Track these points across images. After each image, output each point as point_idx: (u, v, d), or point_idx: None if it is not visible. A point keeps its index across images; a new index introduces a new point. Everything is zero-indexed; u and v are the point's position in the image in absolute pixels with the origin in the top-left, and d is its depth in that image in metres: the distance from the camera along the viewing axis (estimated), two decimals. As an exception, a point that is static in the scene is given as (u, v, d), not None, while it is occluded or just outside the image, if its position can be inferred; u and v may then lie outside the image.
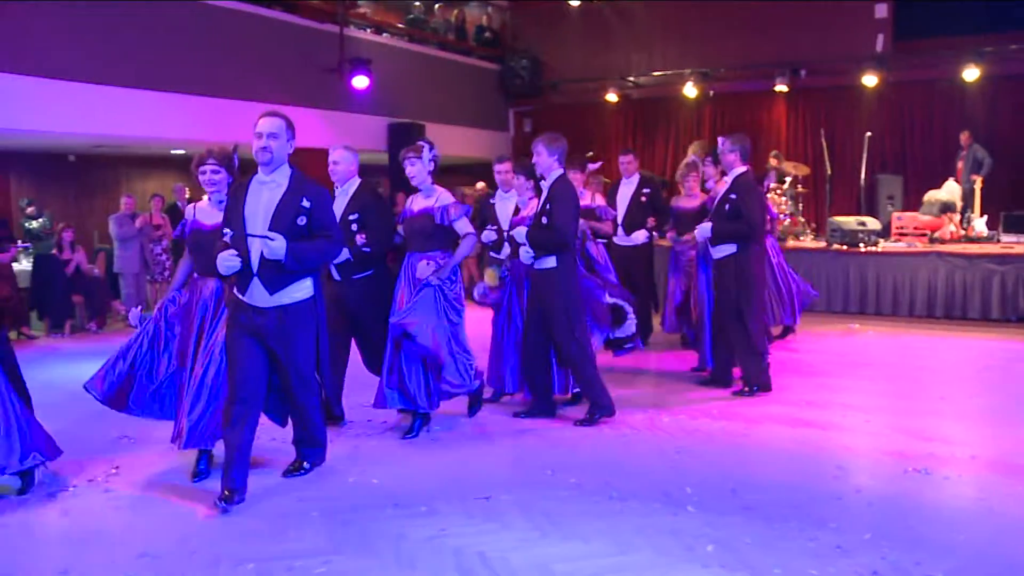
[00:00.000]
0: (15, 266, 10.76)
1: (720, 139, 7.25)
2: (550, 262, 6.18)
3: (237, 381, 4.61)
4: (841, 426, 6.23)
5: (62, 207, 13.82)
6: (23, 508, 4.72)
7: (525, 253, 6.22)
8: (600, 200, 7.52)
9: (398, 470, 5.31)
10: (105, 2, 10.51)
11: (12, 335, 10.40)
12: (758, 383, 7.09)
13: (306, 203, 4.55)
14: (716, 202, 7.10)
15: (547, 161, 6.22)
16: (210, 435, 4.95)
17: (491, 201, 7.05)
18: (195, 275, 5.21)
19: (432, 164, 6.02)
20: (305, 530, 4.36)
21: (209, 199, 5.19)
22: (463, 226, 6.00)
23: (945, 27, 13.67)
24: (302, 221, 4.53)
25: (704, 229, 6.98)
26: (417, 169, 6.00)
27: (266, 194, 4.58)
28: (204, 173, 5.08)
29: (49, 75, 10.02)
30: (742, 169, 6.99)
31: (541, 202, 6.26)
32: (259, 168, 4.60)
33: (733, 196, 6.91)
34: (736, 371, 7.32)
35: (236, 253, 4.47)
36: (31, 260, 11.29)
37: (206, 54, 11.63)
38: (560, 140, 6.31)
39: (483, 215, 7.06)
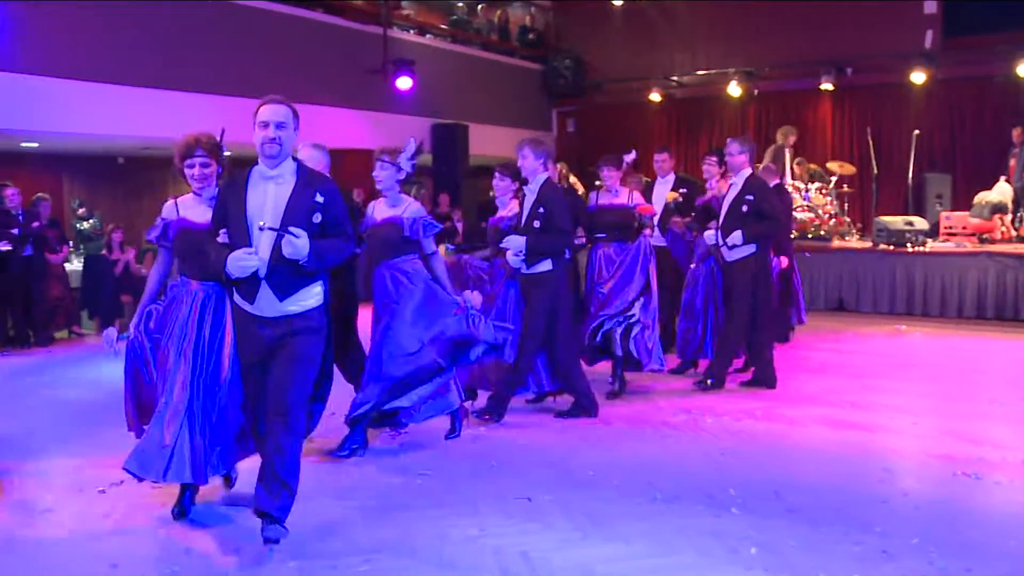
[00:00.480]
0: (67, 266, 10.98)
1: (728, 140, 7.27)
2: (545, 265, 6.17)
3: (255, 403, 4.31)
4: (888, 428, 6.14)
5: (111, 208, 14.08)
6: (74, 504, 4.80)
7: (515, 259, 6.15)
8: (638, 198, 7.39)
9: (440, 471, 5.33)
10: (153, 5, 10.67)
11: (63, 334, 10.63)
12: (721, 383, 7.27)
13: (320, 198, 4.07)
14: (729, 203, 7.08)
15: (533, 164, 6.16)
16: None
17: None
18: (184, 279, 4.51)
19: (405, 172, 5.59)
20: (347, 529, 4.39)
21: (198, 195, 4.50)
22: (431, 244, 5.67)
23: (997, 22, 13.39)
24: (317, 218, 4.05)
25: (736, 237, 6.95)
26: (387, 174, 5.61)
27: (272, 189, 4.06)
28: (192, 167, 4.43)
29: (98, 79, 10.21)
30: (750, 170, 7.11)
31: (530, 206, 6.18)
32: (261, 161, 4.08)
33: (750, 197, 6.97)
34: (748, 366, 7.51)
35: (253, 251, 3.99)
36: (82, 260, 11.51)
37: (251, 57, 11.77)
38: (544, 143, 6.30)
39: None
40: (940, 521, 4.42)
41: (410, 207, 5.61)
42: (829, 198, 13.00)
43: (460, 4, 16.96)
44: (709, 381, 7.25)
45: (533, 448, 5.79)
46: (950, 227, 12.44)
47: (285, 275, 4.02)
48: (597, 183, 7.39)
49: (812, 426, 6.21)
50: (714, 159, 7.80)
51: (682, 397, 7.05)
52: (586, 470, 5.26)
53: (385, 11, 14.04)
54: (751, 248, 7.01)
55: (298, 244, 3.91)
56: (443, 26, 16.36)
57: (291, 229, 3.92)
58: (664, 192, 8.45)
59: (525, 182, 6.29)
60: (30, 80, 9.67)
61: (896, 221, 11.96)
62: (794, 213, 12.95)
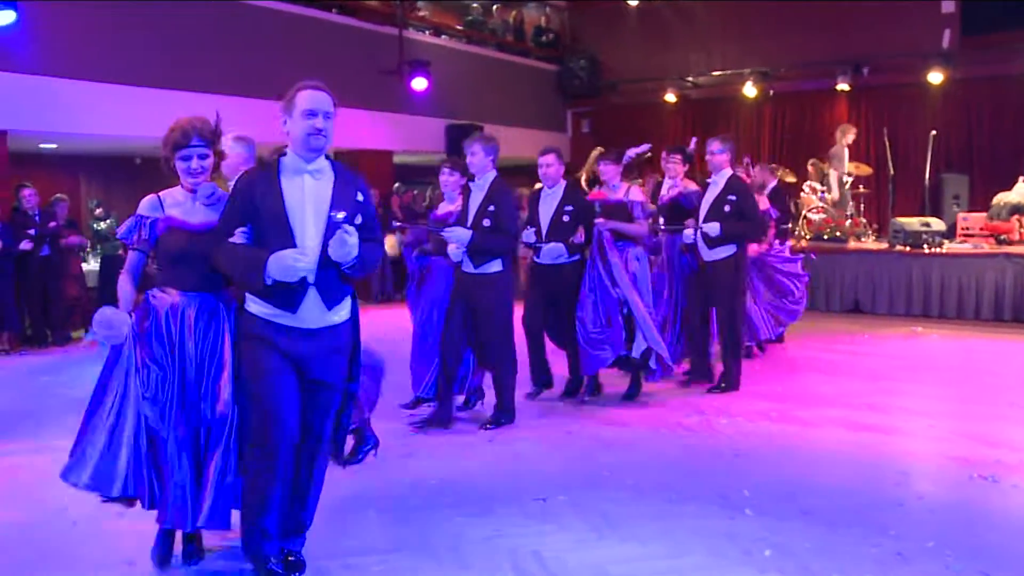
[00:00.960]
0: (84, 266, 11.05)
1: (708, 140, 7.23)
2: (495, 266, 6.02)
3: (282, 417, 3.65)
4: (903, 431, 6.11)
5: (128, 208, 14.09)
6: (90, 501, 4.82)
7: (457, 252, 5.97)
8: (638, 195, 6.97)
9: (455, 470, 5.34)
10: (168, 6, 10.73)
11: (80, 333, 10.69)
12: (735, 385, 7.22)
13: (360, 197, 3.72)
14: (710, 203, 7.03)
15: (483, 161, 6.03)
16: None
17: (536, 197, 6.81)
18: (162, 290, 3.90)
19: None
20: (362, 529, 4.40)
21: (191, 192, 3.84)
22: None
23: (1015, 21, 13.29)
24: (359, 220, 3.65)
25: (713, 228, 6.92)
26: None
27: (311, 184, 3.63)
28: (188, 159, 3.77)
29: (115, 81, 10.28)
30: (730, 170, 7.10)
31: (479, 204, 6.02)
32: (298, 153, 3.64)
33: (732, 197, 6.96)
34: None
35: (303, 251, 3.54)
36: (98, 260, 11.58)
37: (267, 57, 11.80)
38: (495, 140, 6.18)
39: (529, 213, 6.84)
40: (956, 524, 4.40)
41: None
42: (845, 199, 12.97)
43: (475, 5, 16.97)
44: (722, 385, 7.23)
45: (548, 448, 5.79)
46: (967, 228, 12.37)
47: (331, 280, 3.63)
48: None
49: (827, 428, 6.18)
50: (677, 157, 7.70)
51: (696, 399, 7.03)
52: (601, 471, 5.26)
53: (400, 12, 14.08)
54: (731, 248, 7.00)
55: (352, 243, 3.52)
56: (458, 27, 16.38)
57: (346, 226, 3.53)
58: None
59: (471, 178, 6.14)
60: (48, 82, 9.74)
61: (913, 222, 11.91)
62: (808, 214, 12.98)
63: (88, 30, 10.06)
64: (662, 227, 7.53)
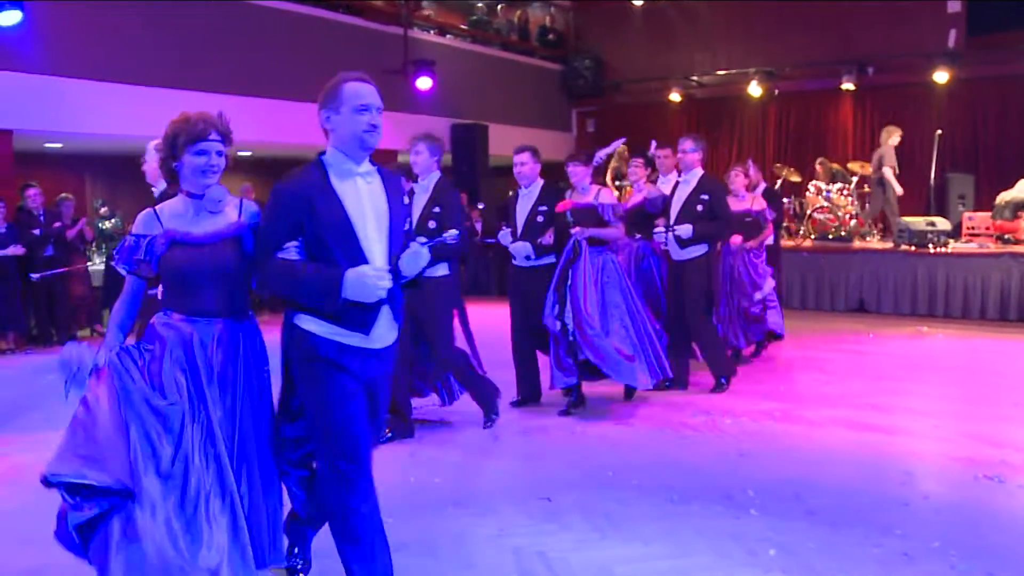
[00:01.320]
0: (89, 265, 11.07)
1: (681, 139, 7.18)
2: (441, 270, 5.85)
3: (364, 446, 3.28)
4: (908, 431, 6.10)
5: (133, 208, 14.14)
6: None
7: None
8: (608, 198, 6.69)
9: (459, 470, 5.34)
10: (173, 6, 10.75)
11: (86, 332, 10.72)
12: (730, 372, 7.28)
13: (407, 200, 3.46)
14: (682, 202, 7.02)
15: (427, 161, 5.92)
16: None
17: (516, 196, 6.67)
18: (169, 314, 3.27)
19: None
20: (367, 527, 4.40)
21: (196, 197, 3.28)
22: None
23: (1021, 21, 13.26)
24: (407, 226, 3.40)
25: (685, 230, 6.90)
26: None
27: (365, 188, 3.25)
28: (205, 154, 3.22)
29: (120, 80, 10.30)
30: (701, 169, 7.08)
31: (423, 205, 5.87)
32: (350, 153, 3.24)
33: (705, 197, 6.94)
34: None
35: (379, 268, 3.17)
36: (103, 260, 11.61)
37: (272, 57, 11.83)
38: (440, 140, 6.07)
39: (505, 213, 6.71)
40: (961, 524, 4.39)
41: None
42: (851, 198, 12.95)
43: (480, 4, 16.99)
44: (722, 381, 7.23)
45: (551, 448, 5.79)
46: (973, 227, 12.35)
47: (397, 295, 3.29)
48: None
49: (832, 428, 6.18)
50: (640, 161, 7.70)
51: (700, 399, 7.03)
52: (605, 471, 5.26)
53: (405, 11, 14.09)
54: (703, 248, 6.99)
55: (426, 257, 3.29)
56: (463, 26, 16.39)
57: (420, 239, 3.33)
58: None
59: (415, 179, 6.02)
60: (53, 81, 9.76)
61: (918, 221, 11.90)
62: (814, 214, 12.96)
63: (93, 30, 10.09)
64: (637, 234, 7.52)
